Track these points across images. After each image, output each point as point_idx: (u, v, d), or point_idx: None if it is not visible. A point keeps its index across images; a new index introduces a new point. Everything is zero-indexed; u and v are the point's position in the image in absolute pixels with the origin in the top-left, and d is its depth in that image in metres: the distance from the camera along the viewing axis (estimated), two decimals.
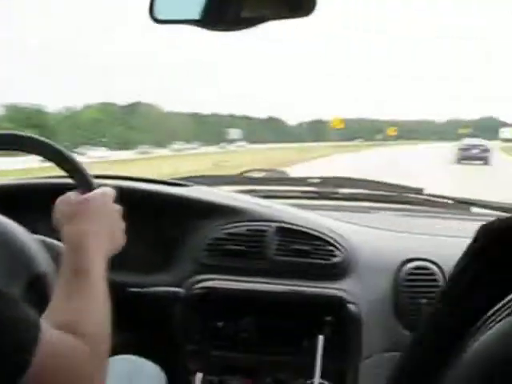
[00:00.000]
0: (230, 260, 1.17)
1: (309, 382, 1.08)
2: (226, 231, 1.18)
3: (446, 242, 1.23)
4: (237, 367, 1.16)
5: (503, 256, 0.56)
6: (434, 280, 1.14)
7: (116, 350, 0.76)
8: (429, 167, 15.15)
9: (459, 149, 19.93)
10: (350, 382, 1.12)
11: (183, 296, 1.13)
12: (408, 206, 1.50)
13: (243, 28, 1.00)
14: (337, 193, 1.52)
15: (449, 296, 0.60)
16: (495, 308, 0.50)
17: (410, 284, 1.14)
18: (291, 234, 1.18)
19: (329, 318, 1.10)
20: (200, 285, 1.14)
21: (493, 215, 1.50)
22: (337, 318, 1.10)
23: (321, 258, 1.16)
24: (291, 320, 1.13)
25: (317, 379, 1.05)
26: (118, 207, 0.79)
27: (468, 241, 1.49)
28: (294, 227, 1.19)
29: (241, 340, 1.13)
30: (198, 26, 1.00)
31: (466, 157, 18.73)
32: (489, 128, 54.10)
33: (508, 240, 0.56)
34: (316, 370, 1.06)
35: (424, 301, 1.13)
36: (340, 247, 1.16)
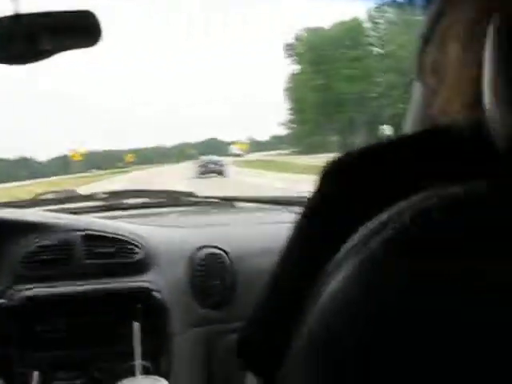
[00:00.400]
0: (43, 269, 1.27)
1: (131, 363, 1.23)
2: (38, 244, 1.28)
3: (227, 231, 1.51)
4: (63, 363, 1.25)
5: (336, 190, 0.58)
6: (222, 262, 1.39)
7: None
8: (176, 183, 16.49)
9: (199, 166, 23.11)
10: (165, 359, 1.30)
11: (4, 306, 1.19)
12: (187, 208, 1.75)
13: (38, 60, 1.12)
14: (123, 203, 1.69)
15: (290, 248, 0.63)
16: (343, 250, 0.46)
17: (203, 268, 1.37)
18: (95, 240, 1.32)
19: (139, 306, 1.27)
20: (18, 294, 1.22)
21: (252, 207, 1.85)
22: (146, 306, 1.28)
23: (124, 257, 1.32)
24: (106, 314, 1.27)
25: (137, 361, 1.20)
26: None
27: (241, 228, 1.81)
28: (97, 233, 1.33)
29: (60, 339, 1.24)
30: None
31: (205, 172, 21.79)
32: (213, 147, 62.56)
33: (340, 173, 0.59)
34: (136, 353, 1.21)
35: (217, 281, 1.38)
36: (140, 245, 1.34)
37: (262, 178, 16.32)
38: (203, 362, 1.37)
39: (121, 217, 1.61)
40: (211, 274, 1.38)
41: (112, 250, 1.32)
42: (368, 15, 39.53)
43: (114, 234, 1.34)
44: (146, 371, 1.24)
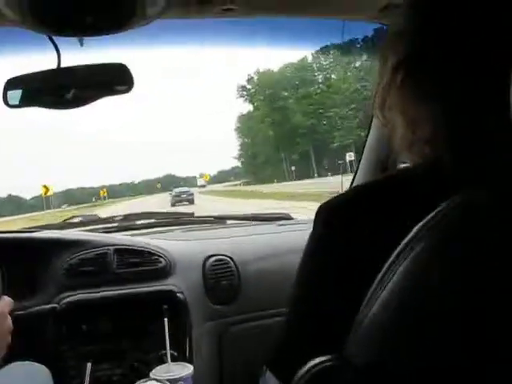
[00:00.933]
0: (83, 279, 1.55)
1: (162, 352, 1.49)
2: (78, 257, 1.56)
3: (229, 242, 1.80)
4: (106, 356, 1.51)
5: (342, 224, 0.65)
6: (229, 267, 1.68)
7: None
8: (159, 210, 18.16)
9: (173, 196, 28.08)
10: (188, 348, 1.56)
11: (55, 310, 1.47)
12: (191, 226, 2.04)
13: (79, 106, 1.38)
14: (136, 224, 1.98)
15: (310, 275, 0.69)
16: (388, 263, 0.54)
17: (213, 272, 1.66)
18: (125, 252, 1.60)
19: (166, 307, 1.54)
20: (65, 300, 1.50)
21: (242, 223, 2.15)
22: (171, 305, 1.54)
23: (150, 265, 1.60)
24: (138, 313, 1.55)
25: (168, 350, 1.42)
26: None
27: (238, 239, 2.10)
28: (127, 247, 1.62)
29: (102, 336, 1.51)
30: (44, 107, 1.35)
31: (178, 200, 26.64)
32: (172, 182, 67.95)
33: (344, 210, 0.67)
34: (167, 344, 1.46)
35: (225, 282, 1.67)
36: (163, 256, 1.63)
37: (233, 205, 18.44)
38: (216, 349, 1.65)
39: (137, 234, 1.88)
40: (221, 276, 1.67)
41: (139, 259, 1.60)
42: (313, 56, 41.66)
43: (141, 246, 1.62)
44: (174, 359, 1.49)
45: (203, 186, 50.61)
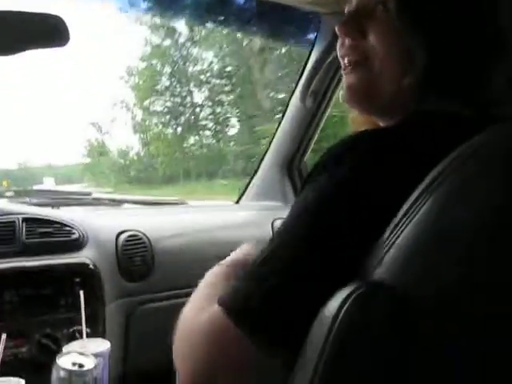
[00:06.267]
0: None
1: (75, 328, 1.40)
2: None
3: (138, 219, 1.75)
4: (10, 332, 1.37)
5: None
6: (143, 243, 1.63)
7: None
8: None
9: None
10: (100, 324, 1.48)
11: None
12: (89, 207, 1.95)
13: (5, 55, 1.27)
14: (28, 201, 1.83)
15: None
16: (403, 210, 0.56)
17: (126, 248, 1.60)
18: (36, 222, 1.48)
19: (78, 280, 1.46)
20: None
21: (139, 207, 2.11)
22: (84, 278, 1.46)
23: (63, 236, 1.50)
24: (49, 286, 1.43)
25: (84, 326, 1.33)
26: None
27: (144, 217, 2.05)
28: (38, 216, 1.50)
29: (7, 310, 1.37)
30: None
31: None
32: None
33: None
34: (82, 318, 1.38)
35: (137, 258, 1.61)
36: (75, 227, 1.53)
37: None
38: (125, 327, 1.59)
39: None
40: (134, 252, 1.61)
41: (51, 230, 1.48)
42: None
43: (53, 217, 1.51)
44: (86, 335, 1.42)
45: None
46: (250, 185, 2.19)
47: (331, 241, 0.59)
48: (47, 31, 1.24)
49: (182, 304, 1.59)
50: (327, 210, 0.61)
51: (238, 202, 2.22)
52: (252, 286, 0.62)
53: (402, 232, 0.55)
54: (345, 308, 0.53)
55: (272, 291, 0.60)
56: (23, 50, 1.27)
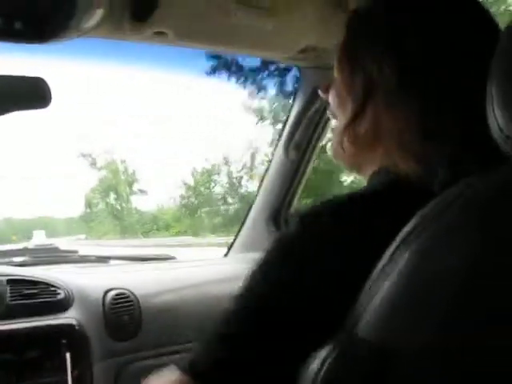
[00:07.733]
0: None
1: None
2: None
3: (125, 277, 1.73)
4: None
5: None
6: (130, 301, 1.60)
7: None
8: None
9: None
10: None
11: None
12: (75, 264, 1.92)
13: None
14: (13, 262, 1.81)
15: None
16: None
17: (114, 307, 1.57)
18: (21, 283, 1.46)
19: (64, 341, 1.42)
20: None
21: (125, 263, 2.09)
22: (71, 339, 1.43)
23: (48, 297, 1.47)
24: (36, 348, 1.39)
25: None
26: None
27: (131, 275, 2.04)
28: (22, 277, 1.47)
29: None
30: None
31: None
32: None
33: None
34: (68, 381, 1.35)
35: (125, 317, 1.58)
36: (61, 287, 1.51)
37: None
38: None
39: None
40: (121, 311, 1.58)
41: (36, 291, 1.46)
42: None
43: (37, 277, 1.49)
44: None
45: None
46: (238, 237, 2.18)
47: (287, 300, 0.64)
48: (29, 93, 1.27)
49: (171, 361, 1.56)
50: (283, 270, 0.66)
51: (226, 255, 2.20)
52: (206, 350, 0.69)
53: (379, 288, 0.56)
54: (324, 369, 0.54)
55: (221, 358, 0.65)
56: (6, 112, 1.30)
